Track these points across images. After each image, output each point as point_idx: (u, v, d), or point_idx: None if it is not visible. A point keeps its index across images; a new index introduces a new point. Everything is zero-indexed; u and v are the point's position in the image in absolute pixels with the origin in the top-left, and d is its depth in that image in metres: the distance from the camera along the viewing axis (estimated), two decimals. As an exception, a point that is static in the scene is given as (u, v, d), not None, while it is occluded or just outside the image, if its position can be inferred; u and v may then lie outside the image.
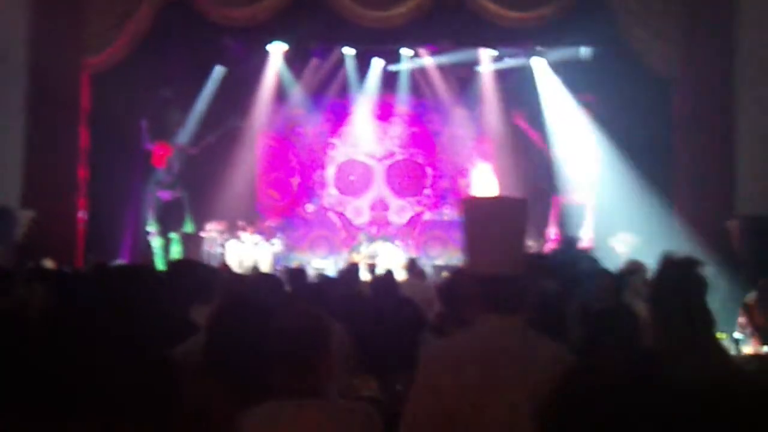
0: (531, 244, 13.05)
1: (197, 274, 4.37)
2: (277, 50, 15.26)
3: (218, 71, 15.13)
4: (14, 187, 12.67)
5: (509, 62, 15.17)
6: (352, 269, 8.47)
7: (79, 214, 13.51)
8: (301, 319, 2.65)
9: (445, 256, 15.28)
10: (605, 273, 5.73)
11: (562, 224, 14.39)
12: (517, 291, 2.54)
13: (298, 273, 6.38)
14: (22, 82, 12.84)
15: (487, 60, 15.27)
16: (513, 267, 2.56)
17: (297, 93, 15.82)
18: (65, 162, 13.26)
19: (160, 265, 13.43)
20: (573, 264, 6.14)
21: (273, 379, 2.63)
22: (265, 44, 15.06)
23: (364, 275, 10.32)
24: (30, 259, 10.87)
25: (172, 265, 6.14)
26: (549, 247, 13.61)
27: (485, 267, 2.60)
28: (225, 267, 11.36)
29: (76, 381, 2.29)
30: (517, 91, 15.08)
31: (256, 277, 6.28)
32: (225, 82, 14.98)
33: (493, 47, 15.02)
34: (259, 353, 2.71)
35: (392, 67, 15.59)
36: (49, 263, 10.73)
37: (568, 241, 9.50)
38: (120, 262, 13.00)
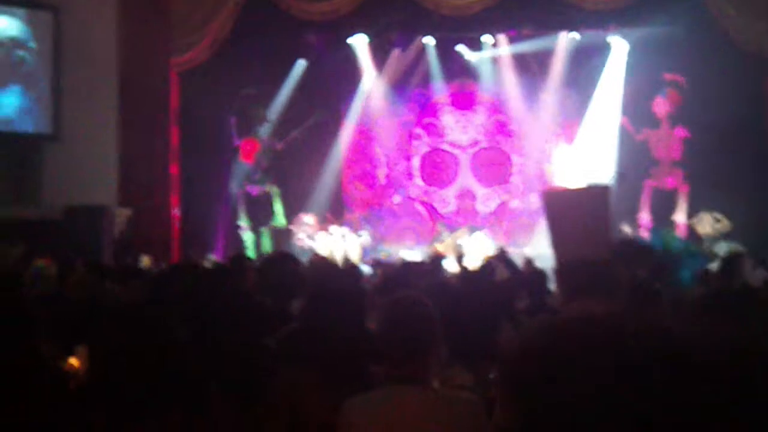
0: (626, 230, 12.81)
1: (292, 267, 4.45)
2: (358, 43, 15.34)
3: (301, 66, 15.31)
4: (111, 187, 13.12)
5: (589, 44, 14.84)
6: (437, 258, 8.46)
7: (173, 210, 13.92)
8: (414, 306, 2.64)
9: (533, 245, 15.10)
10: (701, 259, 5.58)
11: (653, 209, 14.07)
12: (605, 276, 2.51)
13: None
14: (113, 85, 13.28)
15: (567, 44, 14.99)
16: (599, 253, 2.53)
17: (380, 85, 15.86)
18: (158, 160, 13.70)
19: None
20: (668, 251, 6.01)
21: (381, 366, 2.63)
22: (347, 37, 15.15)
23: (452, 265, 10.30)
24: (127, 256, 11.26)
25: (267, 258, 6.28)
26: (641, 232, 13.32)
27: (571, 254, 2.58)
28: (318, 258, 11.47)
29: (174, 372, 2.38)
30: (600, 74, 14.78)
31: (342, 267, 6.33)
32: (308, 77, 15.16)
33: (576, 30, 14.73)
34: (353, 341, 2.74)
35: (473, 55, 15.46)
36: (146, 260, 11.09)
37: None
38: (213, 257, 13.34)
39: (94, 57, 13.00)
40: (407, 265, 7.66)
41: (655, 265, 4.31)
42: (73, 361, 3.89)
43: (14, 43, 12.74)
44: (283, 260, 5.65)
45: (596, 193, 2.70)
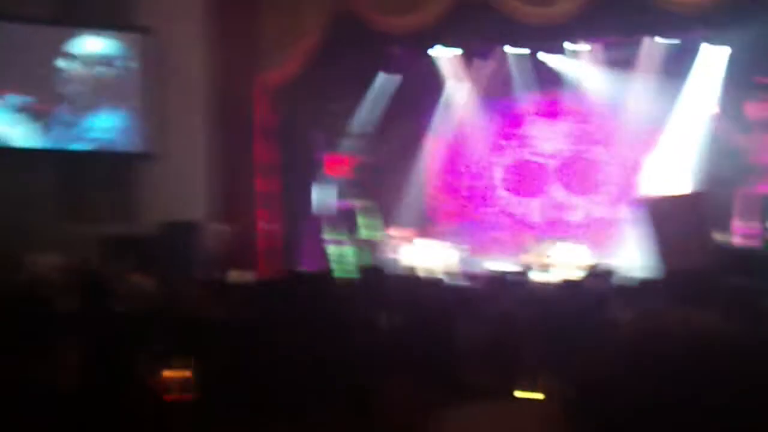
0: (721, 237, 12.41)
1: (386, 280, 4.50)
2: (441, 54, 15.36)
3: (386, 79, 15.41)
4: (203, 202, 13.47)
5: (679, 48, 14.48)
6: (526, 269, 8.39)
7: (261, 225, 14.11)
8: (508, 318, 2.63)
9: (623, 256, 14.77)
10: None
11: (750, 217, 13.59)
12: (705, 281, 2.45)
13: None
14: (204, 103, 13.62)
15: (655, 49, 14.66)
16: (698, 261, 2.49)
17: (463, 96, 15.83)
18: (247, 175, 13.96)
19: (338, 272, 13.80)
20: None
21: (473, 379, 2.62)
22: (429, 49, 15.17)
23: (540, 276, 10.17)
24: (219, 271, 11.50)
25: (363, 272, 6.35)
26: (739, 240, 12.88)
27: (670, 262, 2.54)
28: (407, 271, 11.49)
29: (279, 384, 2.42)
30: (689, 79, 14.41)
31: (430, 280, 6.34)
32: (393, 90, 15.20)
33: (667, 36, 14.39)
34: (447, 354, 2.74)
35: (558, 64, 15.27)
36: (235, 275, 11.29)
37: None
38: (302, 270, 13.46)
39: (186, 76, 13.39)
40: (497, 278, 7.64)
41: (759, 275, 4.16)
42: (170, 374, 3.99)
43: (110, 64, 13.23)
44: (374, 272, 5.72)
45: (693, 199, 2.64)
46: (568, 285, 6.22)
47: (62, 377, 2.72)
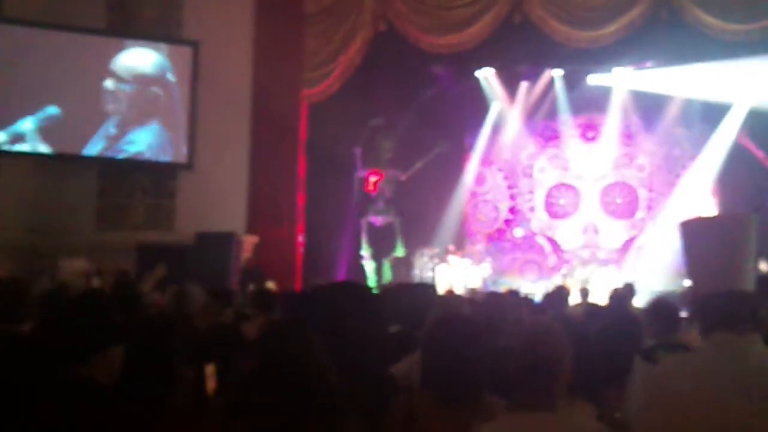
0: (763, 266, 12.20)
1: (414, 296, 4.51)
2: (485, 75, 15.39)
3: (427, 97, 15.34)
4: (240, 213, 13.57)
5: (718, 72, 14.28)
6: (561, 292, 8.31)
7: (299, 238, 14.19)
8: (546, 332, 2.63)
9: (662, 282, 14.59)
10: None
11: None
12: (745, 307, 2.41)
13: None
14: (246, 116, 13.79)
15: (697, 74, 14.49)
16: (740, 284, 2.44)
17: (506, 117, 15.86)
18: (286, 189, 14.04)
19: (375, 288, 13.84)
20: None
21: (509, 392, 2.61)
22: (474, 69, 15.21)
23: (576, 299, 10.07)
24: (253, 282, 11.53)
25: (398, 286, 6.34)
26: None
27: (710, 286, 2.49)
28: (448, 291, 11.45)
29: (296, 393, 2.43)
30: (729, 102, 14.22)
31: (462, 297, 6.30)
32: (434, 108, 15.15)
33: (708, 60, 14.24)
34: (475, 368, 2.75)
35: (602, 87, 15.18)
36: (271, 285, 11.31)
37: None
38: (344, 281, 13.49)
39: (229, 89, 13.55)
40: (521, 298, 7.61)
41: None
42: (206, 380, 4.03)
43: (154, 78, 13.43)
44: (413, 289, 5.71)
45: (736, 220, 2.58)
46: (598, 306, 6.17)
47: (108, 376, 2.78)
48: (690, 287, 2.64)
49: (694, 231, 2.65)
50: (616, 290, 8.15)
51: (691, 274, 2.62)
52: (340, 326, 3.74)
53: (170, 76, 13.50)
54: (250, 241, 13.18)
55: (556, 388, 2.54)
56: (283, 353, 2.54)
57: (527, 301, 7.86)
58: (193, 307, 5.92)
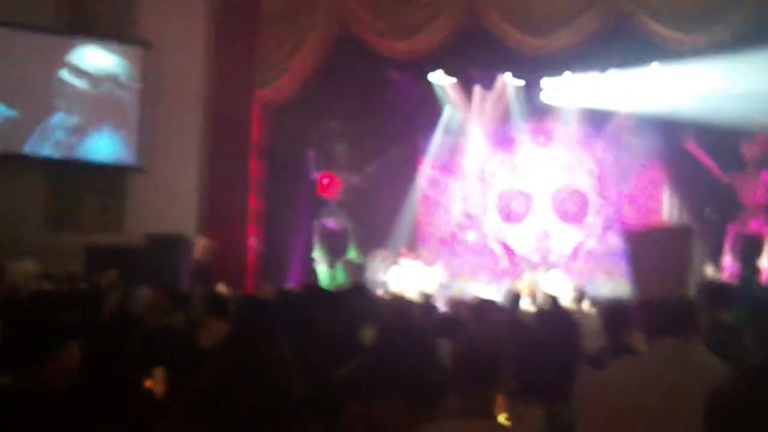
0: (709, 272, 12.50)
1: (366, 299, 4.53)
2: (439, 79, 15.47)
3: (382, 101, 15.36)
4: (191, 215, 13.51)
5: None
6: (514, 296, 8.43)
7: (250, 241, 14.15)
8: (481, 339, 2.69)
9: (611, 287, 14.83)
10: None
11: (738, 254, 13.67)
12: (687, 313, 2.49)
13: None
14: (199, 118, 13.70)
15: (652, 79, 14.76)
16: (682, 290, 2.54)
17: (458, 121, 15.97)
18: (238, 191, 13.99)
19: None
20: (752, 296, 5.85)
21: (448, 397, 2.68)
22: (428, 74, 15.28)
23: (527, 304, 10.19)
24: (204, 285, 11.48)
25: (345, 289, 6.36)
26: (725, 277, 12.97)
27: (654, 292, 2.59)
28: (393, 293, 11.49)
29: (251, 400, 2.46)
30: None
31: (412, 301, 6.35)
32: (388, 112, 15.25)
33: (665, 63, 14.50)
34: (423, 373, 2.82)
35: (554, 93, 15.37)
36: (222, 288, 11.26)
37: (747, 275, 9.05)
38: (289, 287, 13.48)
39: (182, 90, 13.46)
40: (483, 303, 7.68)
41: (740, 310, 4.22)
42: (151, 384, 4.03)
43: (106, 78, 13.28)
44: (356, 291, 5.73)
45: (680, 233, 2.69)
46: (547, 311, 6.27)
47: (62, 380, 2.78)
48: (635, 293, 2.74)
49: (640, 240, 2.75)
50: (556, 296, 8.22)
51: (636, 280, 2.72)
52: (309, 332, 3.89)
53: (122, 76, 13.36)
54: (201, 244, 13.13)
55: (492, 394, 2.60)
56: (251, 362, 2.57)
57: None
58: (139, 307, 5.88)
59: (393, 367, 3.05)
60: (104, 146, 13.28)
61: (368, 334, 4.10)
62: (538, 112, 15.71)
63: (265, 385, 2.49)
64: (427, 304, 7.59)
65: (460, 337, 2.80)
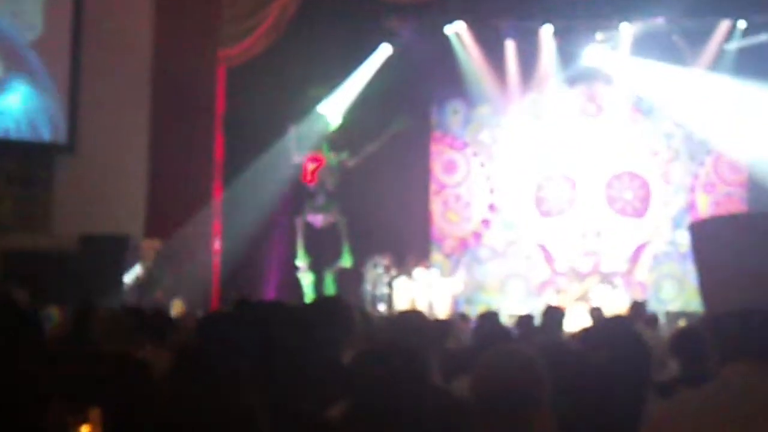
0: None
1: (346, 315, 4.51)
2: (458, 32, 15.43)
3: (381, 60, 15.37)
4: (137, 211, 13.51)
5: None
6: (555, 313, 8.40)
7: (215, 243, 14.20)
8: (513, 361, 2.72)
9: (682, 299, 14.78)
10: None
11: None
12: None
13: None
14: (146, 84, 13.68)
15: (724, 35, 14.83)
16: (764, 301, 2.50)
17: (482, 85, 15.87)
18: (198, 178, 14.09)
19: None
20: None
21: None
22: (443, 25, 15.23)
23: (575, 322, 10.18)
24: (152, 299, 11.48)
25: (318, 303, 6.32)
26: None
27: (727, 304, 2.55)
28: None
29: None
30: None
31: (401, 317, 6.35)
32: (391, 74, 15.13)
33: (740, 17, 14.56)
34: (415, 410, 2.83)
35: (605, 49, 15.34)
36: (178, 305, 11.26)
37: None
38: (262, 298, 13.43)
39: (123, 49, 13.36)
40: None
41: None
42: (86, 429, 4.03)
43: (20, 31, 13.12)
44: (333, 306, 5.70)
45: (763, 223, 2.62)
46: (599, 332, 6.25)
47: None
48: (703, 303, 2.71)
49: (708, 234, 2.69)
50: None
51: (704, 288, 2.67)
52: (272, 356, 3.88)
53: (42, 29, 13.23)
54: (150, 247, 13.12)
55: (532, 425, 2.62)
56: (201, 394, 2.62)
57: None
58: (98, 332, 5.86)
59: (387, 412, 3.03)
60: (23, 119, 13.14)
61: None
62: (587, 76, 15.67)
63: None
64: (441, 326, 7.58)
65: (489, 354, 2.83)
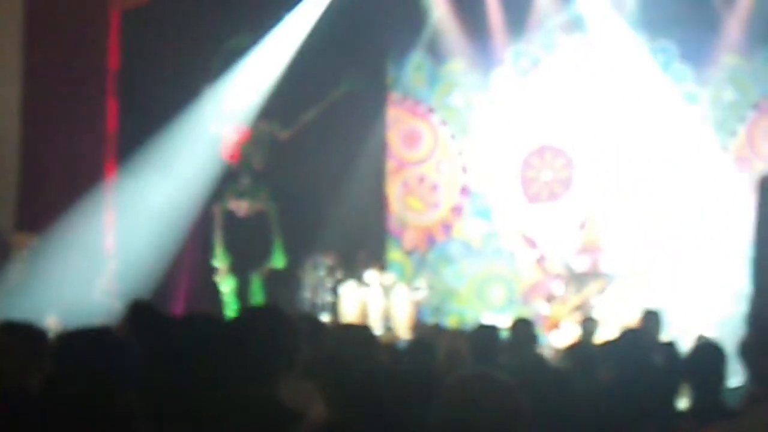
0: None
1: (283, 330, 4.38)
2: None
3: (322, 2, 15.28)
4: (5, 197, 13.46)
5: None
6: (525, 327, 8.32)
7: (107, 237, 14.16)
8: (491, 384, 2.91)
9: (706, 307, 14.68)
10: None
11: None
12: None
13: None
14: (15, 29, 13.56)
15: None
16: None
17: (452, 34, 15.85)
18: (85, 155, 14.07)
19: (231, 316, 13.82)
20: None
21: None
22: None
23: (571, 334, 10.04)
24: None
25: (246, 315, 6.17)
26: None
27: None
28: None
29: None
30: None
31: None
32: (336, 20, 15.05)
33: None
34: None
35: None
36: (52, 321, 11.05)
37: None
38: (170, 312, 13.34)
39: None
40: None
41: None
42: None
43: None
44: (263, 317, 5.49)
45: None
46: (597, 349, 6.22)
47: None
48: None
49: None
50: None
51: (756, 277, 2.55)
52: (173, 395, 4.03)
53: None
54: (20, 242, 13.01)
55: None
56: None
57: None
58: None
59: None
60: None
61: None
62: (582, 22, 15.58)
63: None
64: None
65: (454, 381, 3.00)
